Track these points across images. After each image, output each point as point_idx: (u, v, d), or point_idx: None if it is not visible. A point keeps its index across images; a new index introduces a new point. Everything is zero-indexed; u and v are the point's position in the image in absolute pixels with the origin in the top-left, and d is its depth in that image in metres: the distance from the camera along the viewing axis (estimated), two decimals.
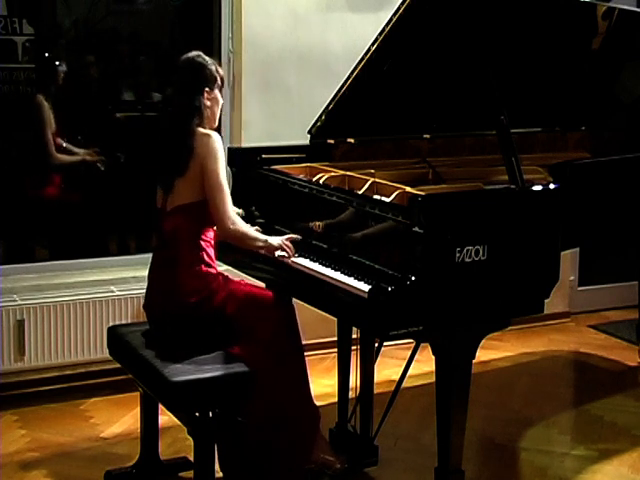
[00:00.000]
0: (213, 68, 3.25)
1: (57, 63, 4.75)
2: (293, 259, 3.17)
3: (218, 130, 4.66)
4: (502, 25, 3.38)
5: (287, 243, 3.20)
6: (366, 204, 3.06)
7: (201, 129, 3.18)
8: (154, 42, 5.35)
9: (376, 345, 3.59)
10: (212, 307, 3.12)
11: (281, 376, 3.15)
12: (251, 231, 3.21)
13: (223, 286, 3.16)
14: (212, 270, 3.18)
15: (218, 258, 3.46)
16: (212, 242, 3.21)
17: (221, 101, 3.30)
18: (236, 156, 3.75)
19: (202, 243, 3.17)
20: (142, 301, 3.30)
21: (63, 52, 5.18)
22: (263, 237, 3.20)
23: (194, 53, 3.27)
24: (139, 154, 4.80)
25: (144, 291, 3.27)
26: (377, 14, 4.29)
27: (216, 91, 3.26)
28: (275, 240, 3.19)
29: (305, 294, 3.18)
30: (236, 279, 3.27)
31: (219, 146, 3.15)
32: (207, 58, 3.27)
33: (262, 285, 3.52)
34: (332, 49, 4.65)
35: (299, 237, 3.24)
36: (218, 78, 3.26)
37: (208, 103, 3.22)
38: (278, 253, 3.19)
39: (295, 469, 3.24)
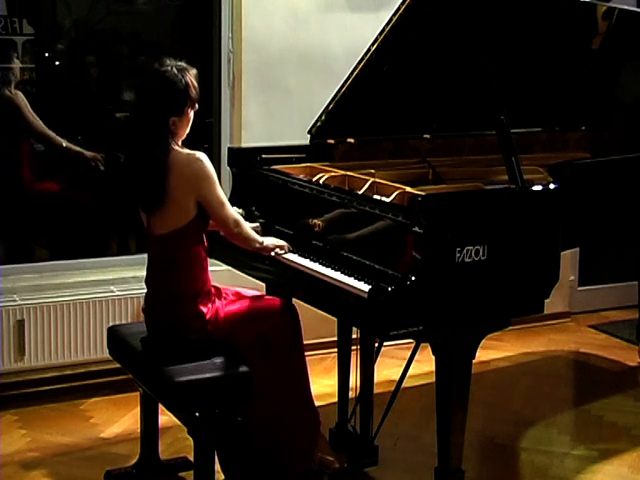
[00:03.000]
0: (184, 88, 2.99)
1: (15, 59, 4.70)
2: (294, 259, 3.17)
3: (211, 131, 4.71)
4: (502, 25, 3.38)
5: (280, 243, 3.20)
6: (366, 204, 3.06)
7: (183, 150, 3.03)
8: (154, 42, 5.35)
9: (376, 345, 3.59)
10: (213, 341, 3.09)
11: (282, 380, 3.15)
12: (252, 233, 3.18)
13: (220, 311, 3.10)
14: (208, 301, 3.09)
15: (218, 258, 3.47)
16: (206, 257, 3.13)
17: (191, 118, 3.07)
18: (236, 156, 3.75)
19: (197, 270, 3.08)
20: (142, 301, 3.29)
21: (64, 52, 5.17)
22: (260, 239, 3.19)
23: (163, 69, 2.99)
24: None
25: (144, 291, 3.27)
26: (377, 14, 4.28)
27: (187, 112, 3.03)
28: (269, 241, 3.20)
29: (305, 294, 3.17)
30: (231, 291, 3.23)
31: (211, 168, 3.01)
32: (179, 73, 2.99)
33: (262, 284, 3.53)
34: (332, 49, 4.65)
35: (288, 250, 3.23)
36: (190, 98, 3.01)
37: (174, 128, 3.02)
38: (273, 252, 3.21)
39: (296, 471, 3.24)
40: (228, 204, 3.10)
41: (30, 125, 4.62)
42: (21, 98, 4.61)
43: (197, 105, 3.09)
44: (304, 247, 3.23)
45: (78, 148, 4.81)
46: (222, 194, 3.07)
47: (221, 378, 2.98)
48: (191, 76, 3.05)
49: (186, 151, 3.04)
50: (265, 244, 3.19)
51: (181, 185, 3.00)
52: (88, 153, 4.83)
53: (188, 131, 3.12)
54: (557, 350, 5.12)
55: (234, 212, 3.13)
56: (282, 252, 3.21)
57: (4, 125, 4.63)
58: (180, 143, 3.09)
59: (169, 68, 3.02)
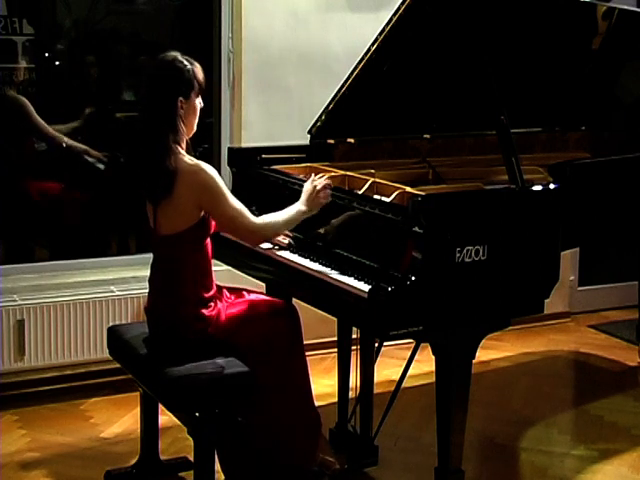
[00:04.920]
0: (190, 72, 3.00)
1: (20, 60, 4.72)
2: (294, 259, 3.16)
3: (211, 131, 4.71)
4: (502, 25, 3.38)
5: (319, 188, 3.10)
6: (366, 204, 3.06)
7: (189, 159, 3.00)
8: (154, 42, 5.36)
9: (376, 345, 3.59)
10: (214, 342, 3.09)
11: (283, 381, 3.14)
12: (281, 220, 3.09)
13: (222, 314, 3.10)
14: (210, 304, 3.08)
15: (218, 258, 3.46)
16: (210, 257, 3.12)
17: (199, 107, 3.07)
18: (236, 156, 3.75)
19: (200, 273, 3.07)
20: (142, 301, 3.29)
21: (64, 52, 5.17)
22: (294, 211, 3.10)
23: (170, 55, 3.02)
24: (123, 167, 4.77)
25: (144, 291, 3.27)
26: (377, 14, 4.29)
27: (193, 98, 3.02)
28: (308, 198, 3.10)
29: (305, 294, 3.17)
30: (232, 292, 3.22)
31: (217, 178, 2.98)
32: (184, 60, 3.01)
33: (262, 284, 3.53)
34: (332, 49, 4.65)
35: (329, 181, 3.13)
36: (196, 83, 3.01)
37: (183, 113, 2.99)
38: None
39: (296, 472, 3.24)
40: (244, 213, 3.03)
41: (36, 124, 4.63)
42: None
43: (202, 101, 3.09)
44: (304, 247, 3.23)
45: (83, 146, 4.81)
46: (234, 205, 3.01)
47: (221, 378, 2.98)
48: (196, 67, 3.06)
49: (190, 160, 3.00)
50: (305, 208, 3.08)
51: (186, 193, 2.97)
52: (93, 152, 4.84)
53: (195, 130, 3.10)
54: (557, 350, 5.12)
55: (250, 219, 3.04)
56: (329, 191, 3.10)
57: (5, 125, 4.63)
58: (186, 144, 3.06)
59: (174, 55, 3.05)
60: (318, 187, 3.12)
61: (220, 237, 3.42)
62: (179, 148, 3.01)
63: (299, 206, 3.12)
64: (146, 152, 3.03)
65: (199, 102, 3.08)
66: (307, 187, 3.14)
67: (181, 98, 3.00)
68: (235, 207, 3.03)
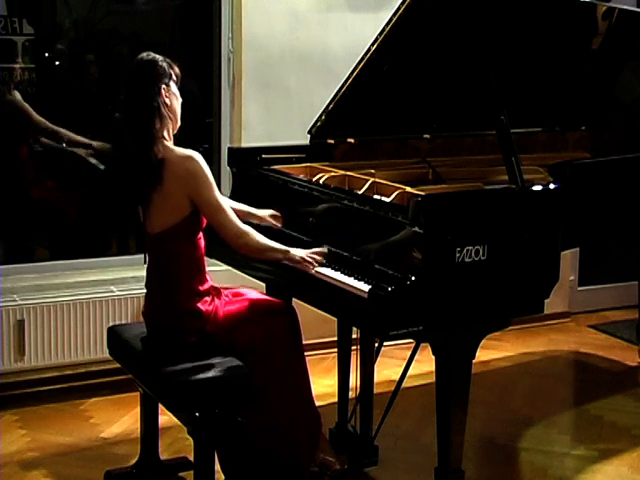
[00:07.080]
0: (165, 64, 3.08)
1: (16, 60, 4.72)
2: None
3: (211, 131, 4.71)
4: (502, 25, 3.38)
5: (311, 256, 3.08)
6: (366, 204, 3.06)
7: (177, 148, 3.04)
8: (154, 42, 5.35)
9: (376, 345, 3.59)
10: (212, 343, 3.09)
11: (283, 381, 3.14)
12: (266, 242, 3.09)
13: (220, 311, 3.10)
14: (207, 300, 3.09)
15: (218, 258, 3.47)
16: (203, 252, 3.12)
17: (178, 95, 3.13)
18: (236, 156, 3.75)
19: (194, 268, 3.08)
20: (142, 301, 3.29)
21: (64, 52, 5.17)
22: (282, 247, 3.11)
23: (143, 54, 3.11)
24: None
25: (144, 291, 3.27)
26: (377, 14, 4.29)
27: (173, 85, 3.10)
28: (298, 253, 3.09)
29: (305, 294, 3.18)
30: (231, 292, 3.22)
31: (205, 167, 3.00)
32: (158, 55, 3.11)
33: (262, 284, 3.53)
34: (332, 49, 4.65)
35: (325, 250, 3.12)
36: (172, 73, 3.10)
37: (167, 101, 3.06)
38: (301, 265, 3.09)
39: (296, 472, 3.24)
40: (229, 211, 3.04)
41: (35, 121, 4.64)
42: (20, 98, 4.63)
43: (179, 94, 3.13)
44: (305, 247, 3.23)
45: (86, 140, 4.81)
46: (220, 199, 3.03)
47: (221, 378, 2.97)
48: (168, 59, 3.12)
49: (179, 149, 3.04)
50: (291, 254, 3.08)
51: (174, 183, 2.99)
52: (96, 144, 4.84)
53: (180, 123, 3.12)
54: (557, 350, 5.12)
55: (237, 221, 3.05)
56: (314, 265, 3.07)
57: (5, 126, 4.63)
58: (173, 135, 3.09)
59: (147, 53, 3.12)
60: (307, 259, 3.07)
61: (219, 237, 3.42)
62: (166, 138, 3.05)
63: (287, 247, 3.12)
64: (134, 144, 3.05)
65: (177, 91, 3.14)
66: (304, 252, 3.09)
67: (164, 86, 3.06)
68: (220, 202, 3.04)
